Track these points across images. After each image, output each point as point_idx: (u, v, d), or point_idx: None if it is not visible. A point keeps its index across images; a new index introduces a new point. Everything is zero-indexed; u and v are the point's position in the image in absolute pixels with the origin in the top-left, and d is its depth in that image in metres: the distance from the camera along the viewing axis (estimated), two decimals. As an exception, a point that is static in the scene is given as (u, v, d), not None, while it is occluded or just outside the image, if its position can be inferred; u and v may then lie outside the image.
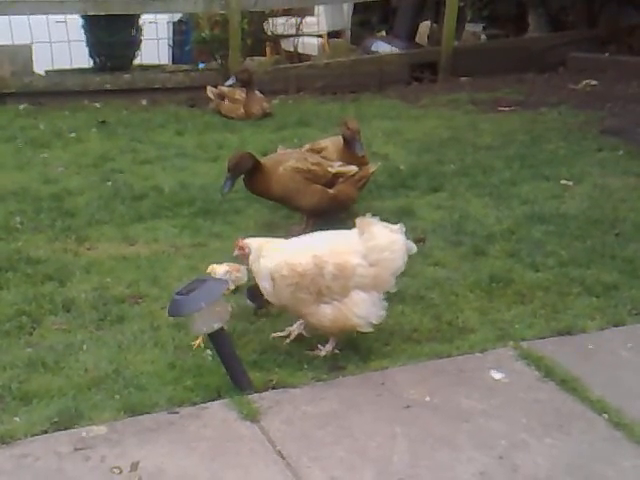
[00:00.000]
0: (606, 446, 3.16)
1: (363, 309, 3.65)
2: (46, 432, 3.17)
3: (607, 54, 10.78)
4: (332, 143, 5.65)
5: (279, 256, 3.70)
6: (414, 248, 3.76)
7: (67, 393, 3.43)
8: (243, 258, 3.89)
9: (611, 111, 8.48)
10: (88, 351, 3.79)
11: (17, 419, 3.25)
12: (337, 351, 3.79)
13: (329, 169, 5.20)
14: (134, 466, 2.98)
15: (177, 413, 3.31)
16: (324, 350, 3.80)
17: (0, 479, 2.91)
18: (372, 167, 5.43)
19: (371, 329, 3.72)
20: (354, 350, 3.84)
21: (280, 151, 5.65)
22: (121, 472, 2.95)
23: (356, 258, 3.61)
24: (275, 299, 3.77)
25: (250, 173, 5.10)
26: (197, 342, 3.76)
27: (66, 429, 3.19)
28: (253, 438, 3.17)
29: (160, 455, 3.04)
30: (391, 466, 3.02)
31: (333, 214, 5.31)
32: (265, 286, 3.75)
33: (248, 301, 4.13)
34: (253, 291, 4.04)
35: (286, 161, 5.17)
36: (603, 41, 11.09)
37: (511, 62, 10.50)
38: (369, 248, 3.62)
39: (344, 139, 5.49)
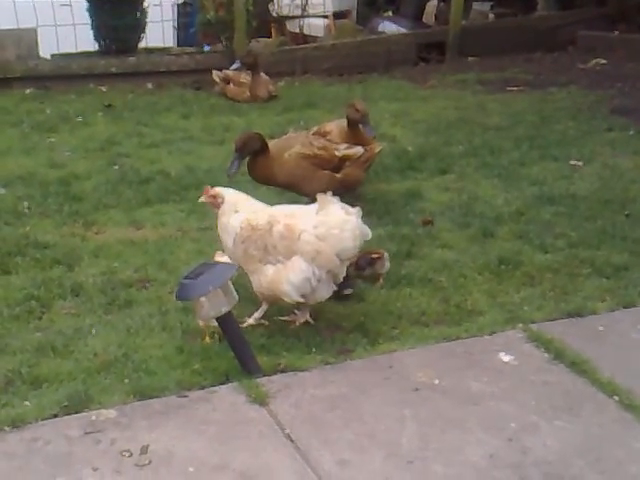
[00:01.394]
0: (616, 428, 3.14)
1: (298, 277, 3.67)
2: (56, 416, 3.18)
3: (617, 33, 10.68)
4: (337, 126, 5.57)
5: (244, 215, 3.82)
6: (369, 234, 3.75)
7: (77, 377, 3.44)
8: (211, 207, 3.94)
9: (621, 90, 8.42)
10: (97, 335, 3.80)
11: (27, 403, 3.26)
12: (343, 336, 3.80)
13: (335, 153, 5.13)
14: (144, 449, 2.98)
15: (186, 397, 3.31)
16: (251, 319, 3.85)
17: (11, 463, 2.92)
18: (377, 147, 5.36)
19: (295, 301, 3.74)
20: (362, 333, 3.83)
21: (291, 134, 5.60)
22: (131, 455, 2.95)
23: (306, 225, 3.67)
24: (233, 255, 3.86)
25: (254, 158, 5.00)
26: (206, 337, 3.71)
27: (76, 413, 3.20)
28: (262, 421, 3.17)
29: (170, 438, 3.05)
30: (400, 449, 3.02)
31: (340, 197, 5.27)
32: (228, 241, 3.84)
33: None
34: None
35: (291, 147, 5.10)
36: (613, 20, 10.98)
37: (520, 41, 10.42)
38: (320, 222, 3.66)
39: (348, 121, 5.44)
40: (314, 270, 3.67)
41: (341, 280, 3.83)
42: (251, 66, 8.30)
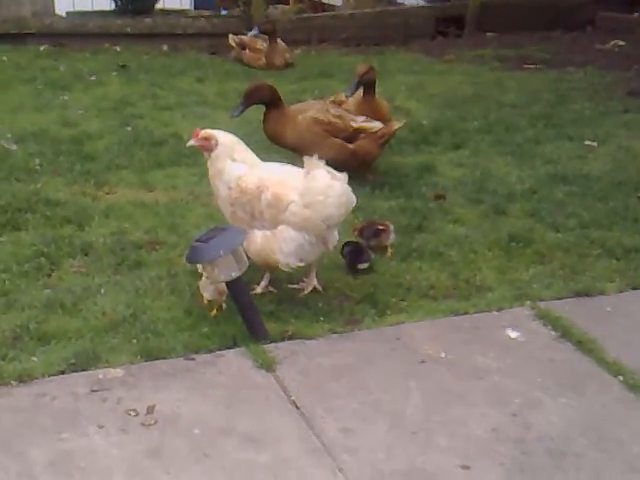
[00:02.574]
0: (620, 408, 3.15)
1: (289, 246, 3.66)
2: (63, 373, 3.21)
3: (636, 14, 10.55)
4: (353, 97, 5.57)
5: (243, 170, 3.76)
6: (354, 200, 3.72)
7: (84, 335, 3.45)
8: (203, 149, 3.81)
9: (638, 72, 8.34)
10: (106, 295, 3.81)
11: (34, 359, 3.28)
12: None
13: (352, 123, 5.12)
14: (150, 409, 3.00)
15: (193, 359, 3.33)
16: (259, 287, 3.84)
17: (17, 417, 2.94)
18: (396, 124, 5.33)
19: (292, 268, 3.73)
20: (370, 304, 3.84)
21: (311, 101, 5.61)
22: (137, 415, 2.98)
23: (293, 195, 3.63)
24: (222, 206, 3.85)
25: (269, 113, 5.03)
26: (213, 312, 3.66)
27: (83, 371, 3.22)
28: (268, 387, 3.19)
29: (176, 400, 3.07)
30: (404, 419, 3.03)
31: (353, 170, 5.24)
32: (220, 189, 3.80)
33: None
34: None
35: (307, 110, 5.12)
36: (632, 1, 10.84)
37: (539, 19, 10.32)
38: (306, 188, 3.62)
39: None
40: (304, 236, 3.67)
41: (333, 243, 3.81)
42: (269, 33, 8.25)
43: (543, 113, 6.85)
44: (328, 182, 3.60)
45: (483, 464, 2.82)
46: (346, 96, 5.34)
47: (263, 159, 3.95)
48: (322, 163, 3.66)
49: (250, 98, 5.04)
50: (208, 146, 3.77)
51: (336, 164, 5.10)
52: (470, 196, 5.09)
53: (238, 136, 3.90)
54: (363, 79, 5.28)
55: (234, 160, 3.78)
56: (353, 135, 5.13)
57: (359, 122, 5.14)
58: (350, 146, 5.11)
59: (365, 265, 4.11)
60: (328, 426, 2.97)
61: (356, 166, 5.15)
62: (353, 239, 4.26)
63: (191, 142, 3.82)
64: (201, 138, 3.77)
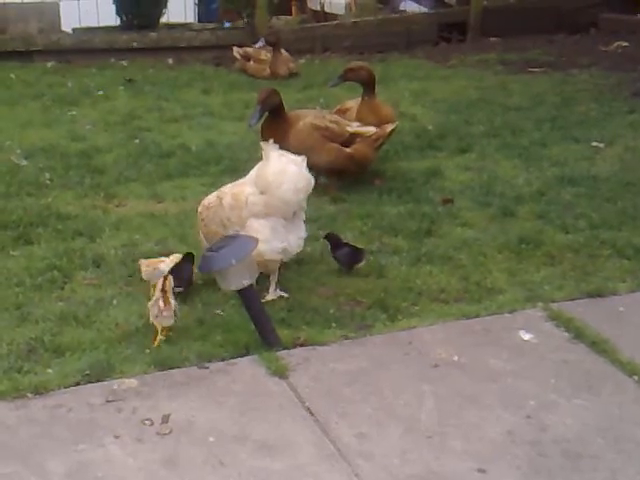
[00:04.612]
0: (636, 408, 3.14)
1: (264, 233, 3.72)
2: (78, 384, 3.22)
3: (639, 16, 10.54)
4: (356, 103, 5.66)
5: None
6: (312, 182, 3.79)
7: (98, 346, 3.47)
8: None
9: (643, 73, 8.34)
10: (118, 306, 3.83)
11: (50, 371, 3.30)
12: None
13: (347, 128, 5.22)
14: (165, 418, 3.01)
15: (207, 368, 3.34)
16: (269, 295, 3.88)
17: (34, 429, 2.96)
18: (389, 126, 5.36)
19: (279, 257, 3.78)
20: (382, 309, 3.84)
21: (304, 110, 5.66)
22: (152, 424, 2.99)
23: (249, 187, 3.73)
24: (203, 238, 3.98)
25: (271, 119, 5.11)
26: (157, 341, 3.51)
27: (98, 381, 3.23)
28: (282, 394, 3.19)
29: (190, 408, 3.08)
30: (419, 424, 3.03)
31: (351, 174, 5.29)
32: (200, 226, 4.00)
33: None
34: None
35: (305, 117, 5.21)
36: (635, 2, 10.83)
37: (541, 23, 10.34)
38: (258, 175, 3.71)
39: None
40: (273, 220, 3.74)
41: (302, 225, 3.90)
42: (273, 44, 8.30)
43: (549, 115, 6.86)
44: (281, 166, 3.69)
45: (499, 467, 2.82)
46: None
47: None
48: (276, 147, 3.76)
49: (265, 103, 5.09)
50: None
51: (335, 168, 5.19)
52: (478, 199, 5.10)
53: (246, 144, 3.94)
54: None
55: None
56: (349, 139, 5.21)
57: (354, 127, 5.25)
58: (347, 150, 5.19)
59: (361, 264, 4.18)
60: (343, 432, 2.98)
61: (354, 169, 5.25)
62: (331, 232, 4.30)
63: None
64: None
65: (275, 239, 3.75)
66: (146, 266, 3.87)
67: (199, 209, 4.01)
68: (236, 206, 3.76)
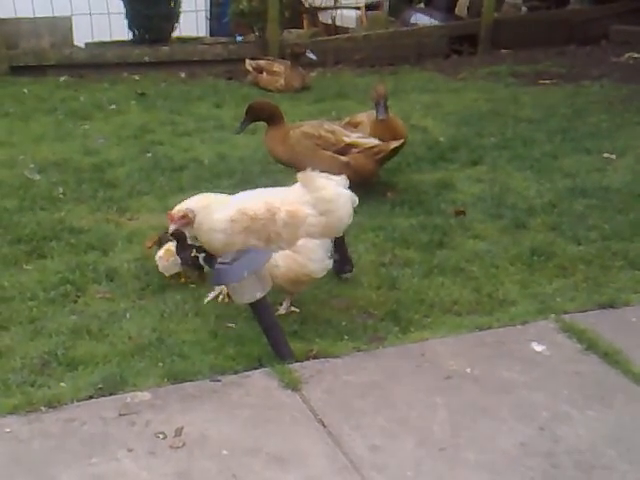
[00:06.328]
0: (649, 419, 3.14)
1: (319, 254, 3.73)
2: (91, 397, 3.23)
3: (650, 27, 10.56)
4: (368, 117, 5.63)
5: (233, 206, 3.76)
6: (356, 200, 3.79)
7: (111, 360, 3.49)
8: (186, 226, 3.79)
9: (654, 84, 8.33)
10: (131, 319, 3.84)
11: (63, 384, 3.31)
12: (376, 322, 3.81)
13: (344, 138, 5.22)
14: (178, 431, 3.02)
15: (219, 381, 3.35)
16: (282, 309, 3.88)
17: (47, 442, 2.97)
18: (393, 143, 5.31)
19: (322, 274, 3.79)
20: (394, 321, 3.85)
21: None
22: (166, 437, 2.99)
23: (307, 208, 3.70)
24: (225, 249, 3.70)
25: (269, 130, 5.27)
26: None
27: (111, 395, 3.24)
28: (294, 406, 3.20)
29: (204, 421, 3.08)
30: (432, 436, 3.03)
31: (351, 184, 5.27)
32: (219, 238, 3.74)
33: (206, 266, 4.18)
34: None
35: (300, 126, 5.29)
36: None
37: (552, 34, 10.35)
38: (317, 199, 3.69)
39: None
40: (324, 241, 3.75)
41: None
42: (296, 56, 8.37)
43: (560, 127, 6.86)
44: (336, 190, 3.72)
45: (512, 479, 2.81)
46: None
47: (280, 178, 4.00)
48: (317, 172, 3.74)
49: (249, 115, 5.31)
50: (188, 221, 3.76)
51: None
52: (490, 211, 5.10)
53: (258, 157, 3.94)
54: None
55: (216, 212, 3.76)
56: (345, 149, 5.21)
57: (353, 137, 5.24)
58: (342, 158, 5.17)
59: (349, 275, 4.21)
60: (355, 444, 2.98)
61: (353, 179, 5.19)
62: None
63: (172, 228, 3.80)
64: (178, 219, 3.76)
65: (326, 260, 3.77)
66: (165, 261, 4.16)
67: (232, 218, 3.70)
68: (291, 224, 3.70)
